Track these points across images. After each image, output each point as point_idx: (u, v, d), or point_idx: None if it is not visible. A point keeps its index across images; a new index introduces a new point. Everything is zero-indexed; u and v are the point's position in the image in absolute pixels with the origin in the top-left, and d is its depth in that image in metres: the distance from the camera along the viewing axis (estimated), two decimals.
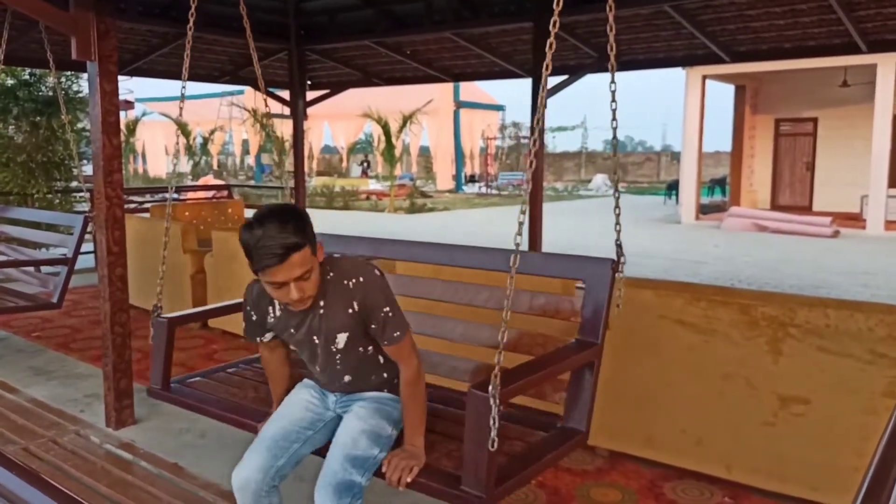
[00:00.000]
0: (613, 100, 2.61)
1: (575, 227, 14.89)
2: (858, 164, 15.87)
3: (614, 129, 2.67)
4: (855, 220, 15.90)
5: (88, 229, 5.12)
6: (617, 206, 2.64)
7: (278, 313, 2.34)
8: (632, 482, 3.28)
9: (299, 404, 2.42)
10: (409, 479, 2.14)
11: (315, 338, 2.30)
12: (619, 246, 2.58)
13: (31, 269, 6.08)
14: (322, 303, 2.24)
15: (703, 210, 17.92)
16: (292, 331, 2.34)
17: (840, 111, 17.26)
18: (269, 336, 2.46)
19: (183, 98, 3.60)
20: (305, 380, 2.54)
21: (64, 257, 5.13)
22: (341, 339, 2.28)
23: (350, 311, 2.22)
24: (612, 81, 2.61)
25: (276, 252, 2.03)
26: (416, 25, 7.07)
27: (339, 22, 7.64)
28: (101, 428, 3.95)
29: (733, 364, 3.10)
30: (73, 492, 0.97)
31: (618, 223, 2.60)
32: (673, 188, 22.28)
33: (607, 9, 2.52)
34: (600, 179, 30.67)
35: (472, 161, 28.87)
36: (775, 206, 18.36)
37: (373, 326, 2.24)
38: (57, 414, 4.13)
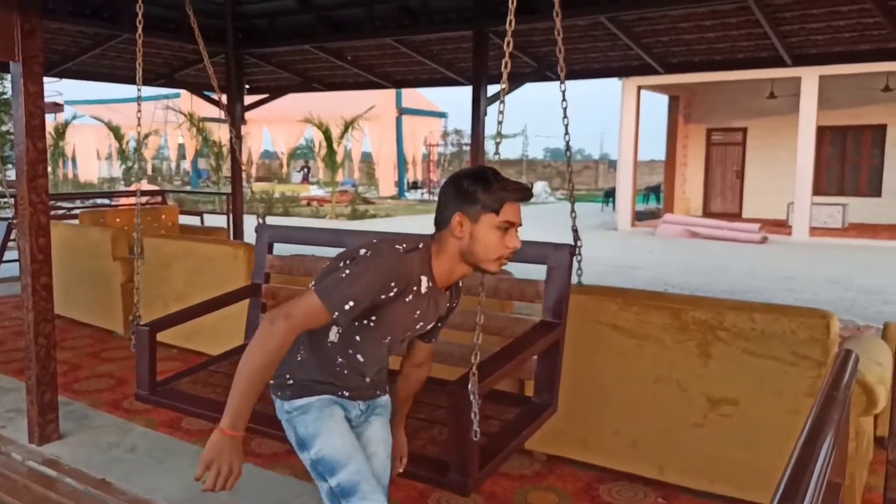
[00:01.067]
0: (564, 98, 2.95)
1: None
2: (785, 172, 16.53)
3: (566, 125, 2.96)
4: (782, 226, 16.54)
5: (12, 237, 4.90)
6: (571, 195, 3.09)
7: (424, 290, 1.96)
8: (568, 485, 3.33)
9: (351, 432, 2.06)
10: (400, 470, 2.20)
11: (422, 324, 2.05)
12: (575, 231, 2.91)
13: None
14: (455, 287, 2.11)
15: (639, 217, 18.38)
16: (418, 312, 1.98)
17: (767, 122, 17.95)
18: (356, 313, 1.87)
19: (140, 100, 3.46)
20: (325, 398, 2.03)
21: None
22: (430, 326, 2.10)
23: (449, 298, 2.10)
24: (562, 82, 2.93)
25: (526, 186, 1.98)
26: (356, 31, 7.05)
27: (278, 26, 7.56)
28: (24, 444, 3.77)
29: (665, 367, 3.18)
30: None
31: (573, 210, 3.01)
32: (610, 196, 22.74)
33: (554, 15, 2.68)
34: (540, 186, 31.04)
35: (415, 167, 28.87)
36: (707, 213, 18.96)
37: (440, 320, 2.12)
38: None
